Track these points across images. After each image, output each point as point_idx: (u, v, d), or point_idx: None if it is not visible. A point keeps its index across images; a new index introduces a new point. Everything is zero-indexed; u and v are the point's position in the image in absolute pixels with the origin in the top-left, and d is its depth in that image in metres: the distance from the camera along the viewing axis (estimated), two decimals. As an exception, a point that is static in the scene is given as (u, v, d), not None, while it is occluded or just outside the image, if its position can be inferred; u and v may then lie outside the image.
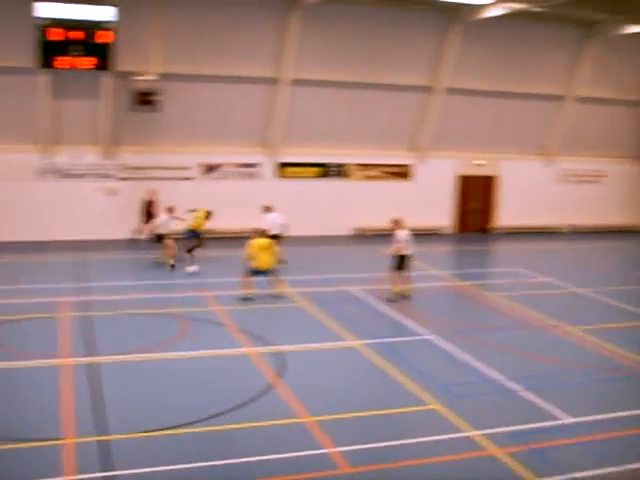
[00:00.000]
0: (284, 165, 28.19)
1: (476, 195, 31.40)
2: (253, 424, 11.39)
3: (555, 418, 12.07)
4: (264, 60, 26.29)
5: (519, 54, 29.28)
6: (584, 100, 30.79)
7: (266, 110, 27.15)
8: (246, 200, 26.35)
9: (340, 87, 27.60)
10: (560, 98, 30.65)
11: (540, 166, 32.00)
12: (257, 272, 18.86)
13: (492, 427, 11.53)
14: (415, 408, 12.31)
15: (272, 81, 26.59)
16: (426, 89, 28.62)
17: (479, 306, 19.68)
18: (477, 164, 30.97)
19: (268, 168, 28.01)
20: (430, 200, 30.19)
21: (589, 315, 18.90)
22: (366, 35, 27.04)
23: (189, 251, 22.82)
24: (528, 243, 29.74)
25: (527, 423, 11.82)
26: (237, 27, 25.56)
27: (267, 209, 23.17)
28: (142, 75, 24.64)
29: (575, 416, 12.14)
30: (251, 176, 27.83)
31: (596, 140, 32.45)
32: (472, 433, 11.32)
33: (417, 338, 16.28)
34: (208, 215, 23.76)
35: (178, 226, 22.98)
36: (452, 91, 28.74)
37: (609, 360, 15.30)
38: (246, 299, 18.70)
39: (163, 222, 22.35)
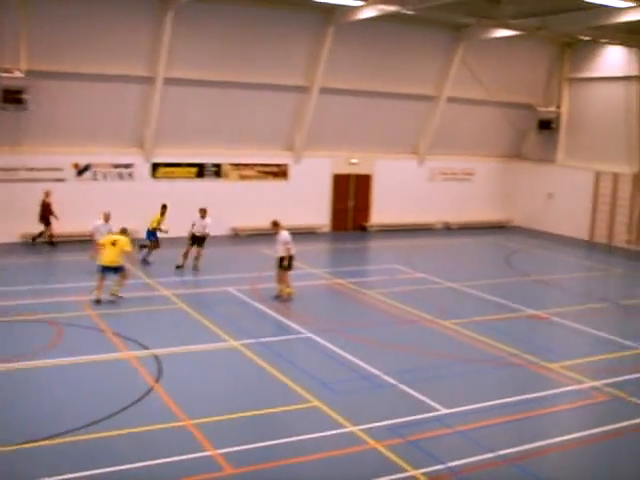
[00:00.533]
0: (160, 165, 27.74)
1: (352, 194, 31.86)
2: (134, 429, 11.19)
3: (432, 410, 12.42)
4: (138, 59, 25.78)
5: (393, 55, 29.90)
6: (454, 100, 31.77)
7: (141, 110, 26.65)
8: (121, 201, 25.75)
9: (216, 87, 27.38)
10: (432, 98, 31.51)
11: (414, 165, 32.78)
12: (103, 269, 18.43)
13: (372, 422, 11.75)
14: (297, 406, 12.40)
15: (146, 80, 26.11)
16: (302, 89, 28.81)
17: (357, 303, 19.98)
18: (353, 163, 31.44)
19: (143, 169, 27.48)
20: (307, 199, 30.43)
21: (462, 309, 19.52)
22: (241, 35, 26.94)
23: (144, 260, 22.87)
24: (403, 240, 30.40)
25: (405, 416, 12.11)
26: (109, 25, 24.93)
27: (203, 212, 22.70)
28: (8, 72, 23.69)
29: (450, 407, 12.53)
30: (126, 177, 27.24)
31: (465, 139, 33.58)
32: (353, 428, 11.51)
33: (297, 337, 16.39)
34: (163, 210, 23.32)
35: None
36: (328, 91, 29.04)
37: (482, 352, 15.86)
38: (96, 301, 18.23)
39: (97, 229, 21.23)
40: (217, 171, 28.80)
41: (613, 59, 30.97)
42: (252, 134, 28.95)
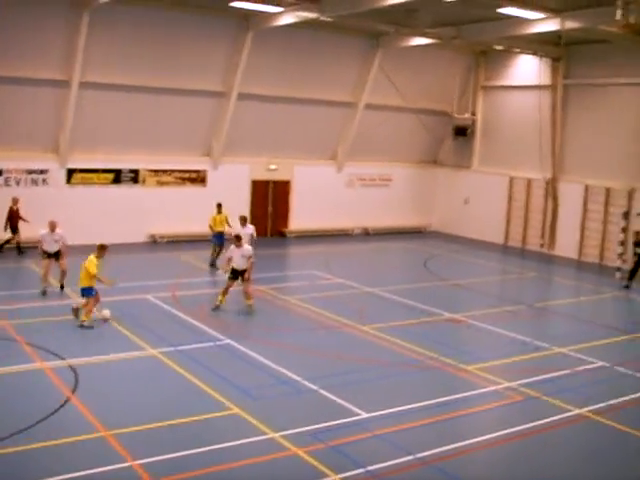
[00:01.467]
0: (75, 171, 27.15)
1: (271, 199, 31.85)
2: (50, 442, 10.91)
3: (352, 414, 12.50)
4: (52, 62, 25.17)
5: (312, 62, 30.00)
6: (372, 107, 32.07)
7: (55, 114, 26.01)
8: (35, 208, 25.07)
9: (133, 91, 26.97)
10: (350, 105, 31.75)
11: (332, 171, 32.96)
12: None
13: (292, 427, 11.75)
14: (217, 414, 12.31)
15: (61, 84, 25.55)
16: (220, 94, 28.66)
17: (276, 309, 19.96)
18: (272, 169, 31.43)
19: (58, 174, 26.84)
20: (225, 205, 30.04)
21: (382, 313, 19.70)
22: (159, 39, 26.60)
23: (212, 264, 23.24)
24: (322, 246, 30.51)
25: (326, 421, 12.15)
26: (22, 27, 24.20)
27: (244, 220, 22.49)
28: None
29: (370, 411, 12.63)
30: (40, 183, 26.54)
31: (383, 146, 33.94)
32: (273, 435, 11.49)
33: (216, 344, 16.27)
34: (219, 209, 23.72)
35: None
36: (246, 97, 28.94)
37: (400, 356, 16.04)
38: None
39: (43, 238, 19.65)
40: (134, 177, 28.37)
41: (526, 68, 31.79)
42: (170, 140, 28.67)
